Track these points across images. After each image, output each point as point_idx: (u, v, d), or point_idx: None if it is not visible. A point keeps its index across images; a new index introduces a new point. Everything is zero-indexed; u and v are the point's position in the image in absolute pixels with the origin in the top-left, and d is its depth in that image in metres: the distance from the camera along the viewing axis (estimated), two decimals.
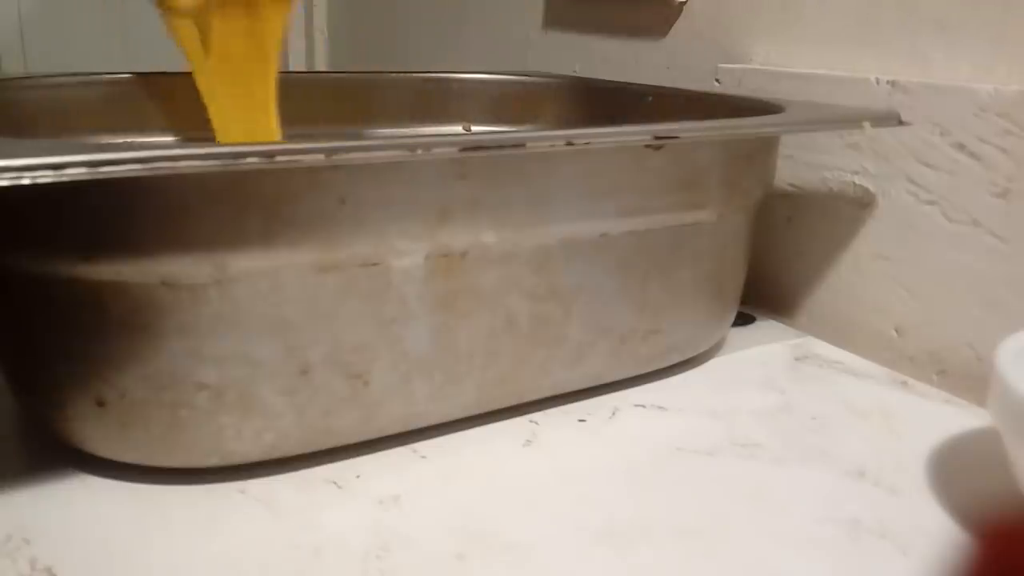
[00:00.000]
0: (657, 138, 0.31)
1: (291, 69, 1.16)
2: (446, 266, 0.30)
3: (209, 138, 0.44)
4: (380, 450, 0.31)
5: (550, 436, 0.33)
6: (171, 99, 0.47)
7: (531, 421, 0.34)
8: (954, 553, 0.26)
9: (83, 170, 0.21)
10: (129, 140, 0.45)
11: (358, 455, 0.31)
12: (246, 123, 0.40)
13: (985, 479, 0.30)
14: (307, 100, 0.51)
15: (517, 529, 0.27)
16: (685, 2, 0.54)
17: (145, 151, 0.22)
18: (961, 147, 0.37)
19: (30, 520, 0.26)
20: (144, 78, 0.47)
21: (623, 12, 0.60)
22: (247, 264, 0.26)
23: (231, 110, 0.40)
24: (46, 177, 0.20)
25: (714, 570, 0.25)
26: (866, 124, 0.36)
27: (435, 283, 0.30)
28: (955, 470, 0.31)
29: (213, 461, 0.28)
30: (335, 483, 0.29)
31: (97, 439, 0.28)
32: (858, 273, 0.42)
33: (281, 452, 0.29)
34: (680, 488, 0.30)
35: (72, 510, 0.27)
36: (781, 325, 0.46)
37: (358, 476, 0.29)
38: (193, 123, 0.47)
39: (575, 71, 0.64)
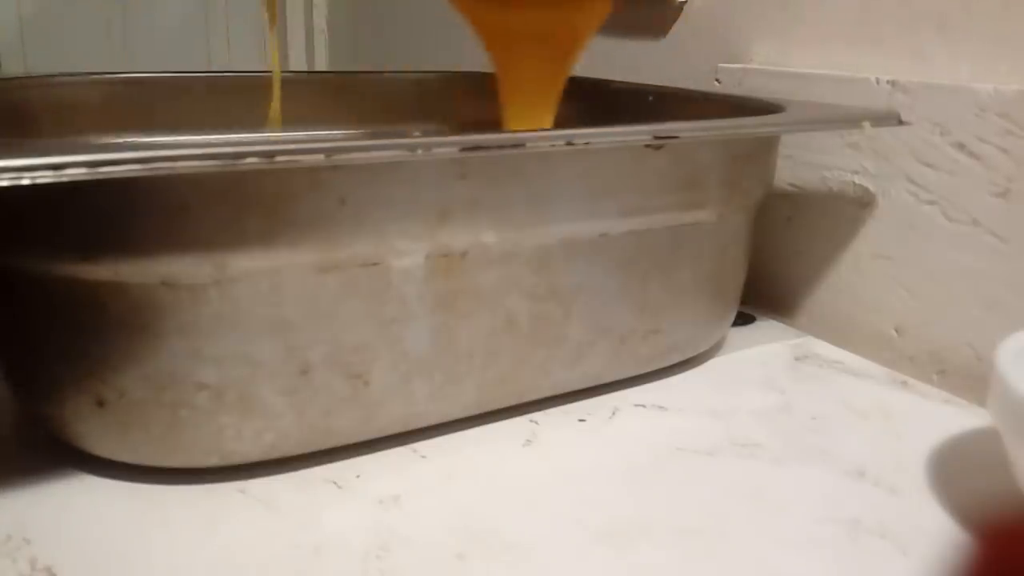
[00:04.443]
0: (657, 138, 0.31)
1: (291, 69, 1.16)
2: (446, 266, 0.30)
3: (207, 137, 0.44)
4: (380, 450, 0.31)
5: (550, 436, 0.33)
6: (172, 99, 0.47)
7: (531, 421, 0.34)
8: (954, 553, 0.26)
9: (83, 170, 0.21)
10: (129, 140, 0.45)
11: (358, 455, 0.31)
12: (527, 111, 0.40)
13: (985, 479, 0.30)
14: (307, 100, 0.51)
15: (517, 529, 0.27)
16: (685, 2, 0.54)
17: (145, 151, 0.22)
18: (961, 147, 0.37)
19: (30, 520, 0.26)
20: (144, 78, 0.47)
21: (623, 12, 0.60)
22: (247, 264, 0.26)
23: (518, 99, 0.40)
24: (46, 177, 0.20)
25: (714, 570, 0.25)
26: (866, 124, 0.36)
27: (435, 283, 0.30)
28: (955, 470, 0.31)
29: (213, 461, 0.28)
30: (335, 483, 0.29)
31: (97, 439, 0.28)
32: (858, 273, 0.42)
33: (281, 452, 0.29)
34: (680, 488, 0.30)
35: (72, 510, 0.27)
36: (781, 325, 0.46)
37: (358, 476, 0.29)
38: (193, 123, 0.47)
39: (575, 71, 0.64)
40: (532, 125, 0.40)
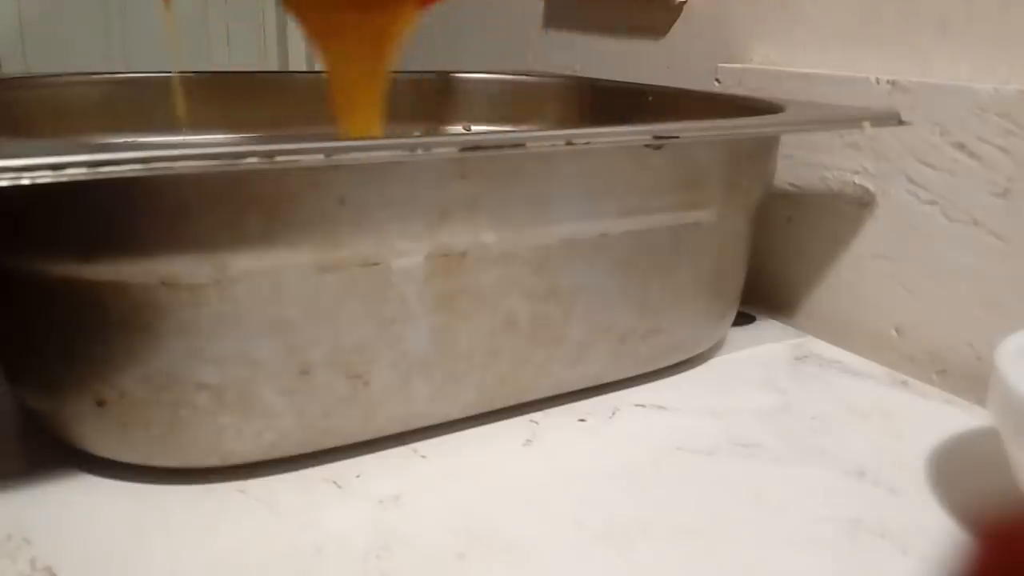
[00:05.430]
0: (657, 138, 0.31)
1: (291, 69, 1.16)
2: (446, 266, 0.30)
3: (207, 137, 0.44)
4: (380, 450, 0.31)
5: (550, 436, 0.33)
6: (171, 99, 0.47)
7: (531, 421, 0.34)
8: (954, 553, 0.26)
9: (83, 170, 0.21)
10: (128, 140, 0.45)
11: (358, 455, 0.31)
12: (354, 116, 0.41)
13: (985, 479, 0.30)
14: (307, 100, 0.51)
15: (517, 529, 0.27)
16: (685, 2, 0.54)
17: (145, 151, 0.22)
18: (961, 147, 0.37)
19: (30, 520, 0.26)
20: (144, 78, 0.47)
21: (623, 12, 0.60)
22: (247, 264, 0.26)
23: (345, 102, 0.41)
24: (46, 177, 0.20)
25: (714, 570, 0.25)
26: (866, 124, 0.36)
27: (435, 283, 0.30)
28: (955, 470, 0.31)
29: (213, 461, 0.28)
30: (335, 483, 0.29)
31: (97, 439, 0.28)
32: (858, 273, 0.42)
33: (281, 452, 0.29)
34: (680, 488, 0.30)
35: (72, 510, 0.27)
36: (781, 325, 0.46)
37: (358, 476, 0.29)
38: (193, 123, 0.47)
39: (575, 71, 0.64)
40: (363, 123, 0.41)
